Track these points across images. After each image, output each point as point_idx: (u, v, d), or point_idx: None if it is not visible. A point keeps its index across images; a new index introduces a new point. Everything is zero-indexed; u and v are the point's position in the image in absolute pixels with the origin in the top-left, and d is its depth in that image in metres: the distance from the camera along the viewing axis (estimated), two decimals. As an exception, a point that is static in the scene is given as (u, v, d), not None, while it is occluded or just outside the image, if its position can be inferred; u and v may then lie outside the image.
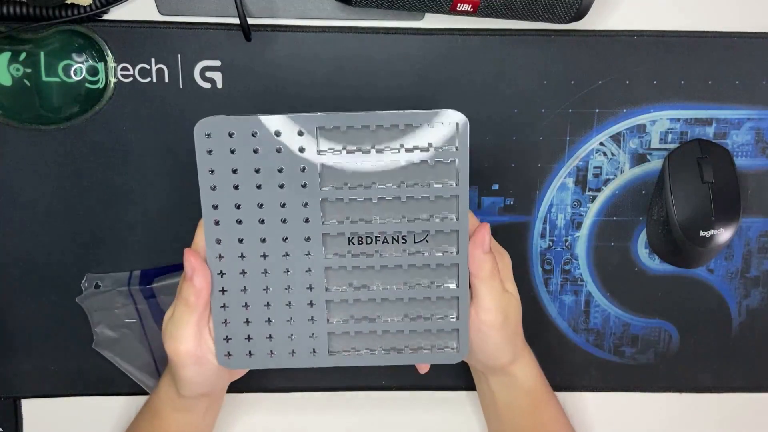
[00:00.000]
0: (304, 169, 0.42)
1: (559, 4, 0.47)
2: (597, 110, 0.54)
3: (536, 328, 0.57)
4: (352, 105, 0.53)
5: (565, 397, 0.59)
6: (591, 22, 0.52)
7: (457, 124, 0.41)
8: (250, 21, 0.50)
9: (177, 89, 0.52)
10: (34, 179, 0.53)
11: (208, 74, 0.52)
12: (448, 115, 0.41)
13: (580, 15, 0.48)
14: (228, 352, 0.44)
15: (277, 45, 0.51)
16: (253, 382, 0.57)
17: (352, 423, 0.59)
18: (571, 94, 0.53)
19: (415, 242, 0.43)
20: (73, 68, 0.50)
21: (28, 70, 0.50)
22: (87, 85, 0.50)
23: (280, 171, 0.42)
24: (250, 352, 0.45)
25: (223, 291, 0.43)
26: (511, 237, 0.56)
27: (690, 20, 0.53)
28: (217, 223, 0.42)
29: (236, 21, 0.49)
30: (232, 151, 0.41)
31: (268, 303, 0.44)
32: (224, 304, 0.44)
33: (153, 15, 0.51)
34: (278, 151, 0.41)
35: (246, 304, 0.44)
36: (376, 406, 0.59)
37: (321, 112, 0.41)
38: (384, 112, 0.41)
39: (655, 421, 0.60)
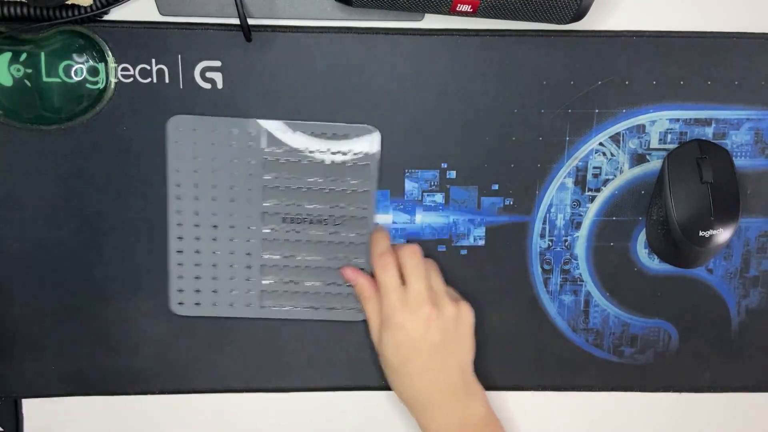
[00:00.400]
0: (250, 161, 0.53)
1: (559, 5, 0.47)
2: (596, 110, 0.54)
3: (536, 328, 0.57)
4: (351, 105, 0.53)
5: (565, 397, 0.59)
6: (591, 22, 0.52)
7: (372, 136, 0.52)
8: (251, 21, 0.50)
9: (177, 89, 0.52)
10: (35, 179, 0.53)
11: (208, 75, 0.52)
12: (366, 128, 0.53)
13: (579, 15, 0.48)
14: (181, 301, 0.55)
15: (277, 45, 0.52)
16: (253, 382, 0.57)
17: (352, 423, 0.59)
18: (571, 94, 0.53)
19: (334, 224, 0.54)
20: (73, 69, 0.50)
21: (29, 71, 0.50)
22: (87, 85, 0.51)
23: (231, 161, 0.53)
24: (198, 302, 0.55)
25: (179, 252, 0.54)
26: (511, 237, 0.56)
27: (690, 20, 0.53)
28: (178, 197, 0.53)
29: (236, 21, 0.49)
30: (195, 143, 0.52)
31: (215, 264, 0.54)
32: (180, 262, 0.54)
33: (153, 15, 0.51)
34: (231, 145, 0.52)
35: (198, 263, 0.54)
36: (376, 406, 0.59)
37: (272, 120, 0.52)
38: (317, 122, 0.52)
39: (655, 421, 0.60)
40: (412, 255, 0.52)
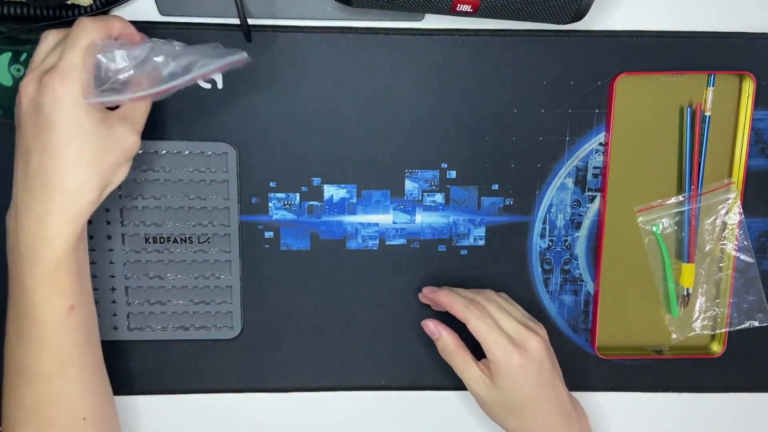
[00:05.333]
0: None
1: (559, 5, 0.47)
2: (597, 110, 0.54)
3: (536, 328, 0.57)
4: (351, 105, 0.53)
5: (565, 397, 0.59)
6: (591, 22, 0.52)
7: (227, 153, 0.53)
8: (251, 21, 0.50)
9: (177, 90, 0.52)
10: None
11: (208, 74, 0.52)
12: (221, 146, 0.52)
13: (579, 15, 0.48)
14: None
15: (277, 45, 0.52)
16: (253, 382, 0.57)
17: (353, 423, 0.59)
18: (571, 94, 0.53)
19: (199, 243, 0.54)
20: (73, 69, 0.50)
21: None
22: (87, 85, 0.50)
23: None
24: None
25: None
26: (511, 237, 0.56)
27: (690, 20, 0.53)
28: None
29: (236, 21, 0.49)
30: None
31: None
32: None
33: (153, 16, 0.51)
34: None
35: None
36: (376, 406, 0.59)
37: None
38: (172, 141, 0.52)
39: (655, 421, 0.60)
40: (489, 299, 0.52)
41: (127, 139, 0.44)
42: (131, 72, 0.43)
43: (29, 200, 0.43)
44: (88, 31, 0.42)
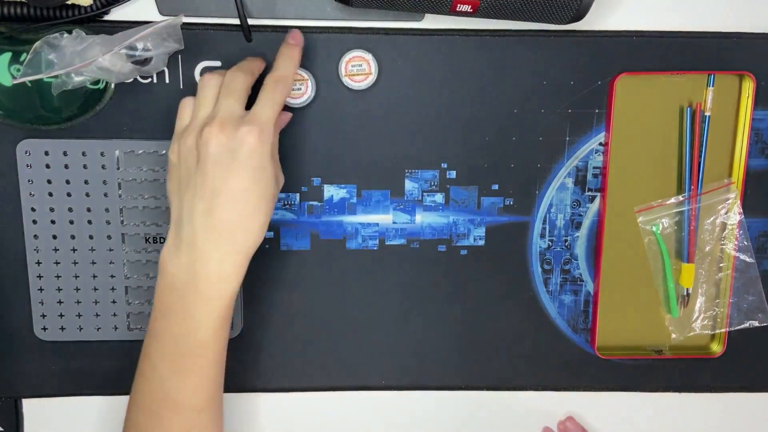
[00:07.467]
0: (105, 182, 0.52)
1: (559, 5, 0.47)
2: (597, 110, 0.54)
3: (536, 328, 0.57)
4: (351, 105, 0.53)
5: (564, 396, 0.59)
6: (591, 22, 0.52)
7: None
8: (251, 21, 0.50)
9: (177, 90, 0.52)
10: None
11: (208, 74, 0.52)
12: None
13: (579, 15, 0.48)
14: (44, 327, 0.55)
15: (277, 45, 0.51)
16: (253, 382, 0.57)
17: (352, 423, 0.59)
18: (571, 94, 0.53)
19: None
20: (73, 68, 0.50)
21: (29, 71, 0.50)
22: (88, 85, 0.51)
23: (86, 183, 0.52)
24: (62, 327, 0.55)
25: (39, 276, 0.54)
26: (511, 237, 0.56)
27: (690, 20, 0.53)
28: (34, 222, 0.53)
29: (236, 21, 0.49)
30: (48, 166, 0.52)
31: (77, 287, 0.54)
32: (41, 287, 0.54)
33: (153, 16, 0.51)
34: (84, 167, 0.52)
35: (59, 287, 0.54)
36: (376, 406, 0.59)
37: (124, 139, 0.52)
38: (168, 141, 0.49)
39: (655, 421, 0.60)
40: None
41: (281, 178, 0.48)
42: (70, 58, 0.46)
43: (214, 239, 0.44)
44: (279, 89, 0.47)
